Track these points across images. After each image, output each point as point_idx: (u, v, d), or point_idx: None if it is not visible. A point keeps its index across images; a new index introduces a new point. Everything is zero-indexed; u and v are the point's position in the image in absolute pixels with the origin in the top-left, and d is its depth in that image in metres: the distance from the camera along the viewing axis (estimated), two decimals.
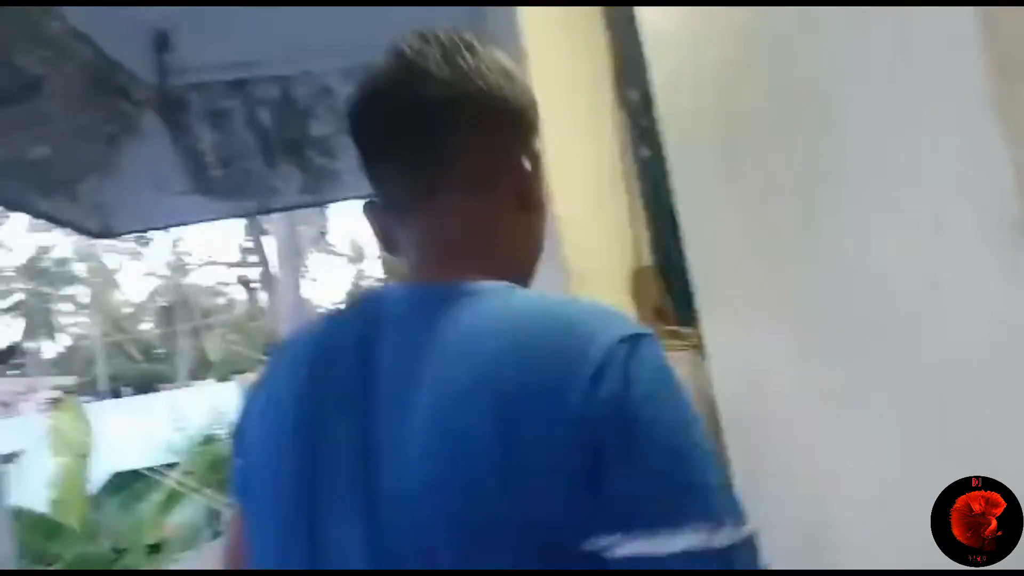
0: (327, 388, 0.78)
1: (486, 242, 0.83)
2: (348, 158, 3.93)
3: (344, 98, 3.71)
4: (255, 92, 3.66)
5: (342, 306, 0.91)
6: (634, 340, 0.69)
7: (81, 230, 4.32)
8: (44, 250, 32.37)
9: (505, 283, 0.77)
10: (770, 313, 0.78)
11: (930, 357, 0.52)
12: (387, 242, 0.88)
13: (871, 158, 0.55)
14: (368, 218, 0.88)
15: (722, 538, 0.62)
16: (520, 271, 0.86)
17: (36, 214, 3.91)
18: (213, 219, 4.78)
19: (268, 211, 5.39)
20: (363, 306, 0.84)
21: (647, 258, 1.82)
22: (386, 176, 0.84)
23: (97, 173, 3.76)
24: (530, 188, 0.85)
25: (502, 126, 0.83)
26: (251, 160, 4.03)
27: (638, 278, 1.81)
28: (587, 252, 1.89)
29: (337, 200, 4.55)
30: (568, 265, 1.89)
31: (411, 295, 0.80)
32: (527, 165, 0.85)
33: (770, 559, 0.86)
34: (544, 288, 1.59)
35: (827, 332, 0.66)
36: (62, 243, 31.74)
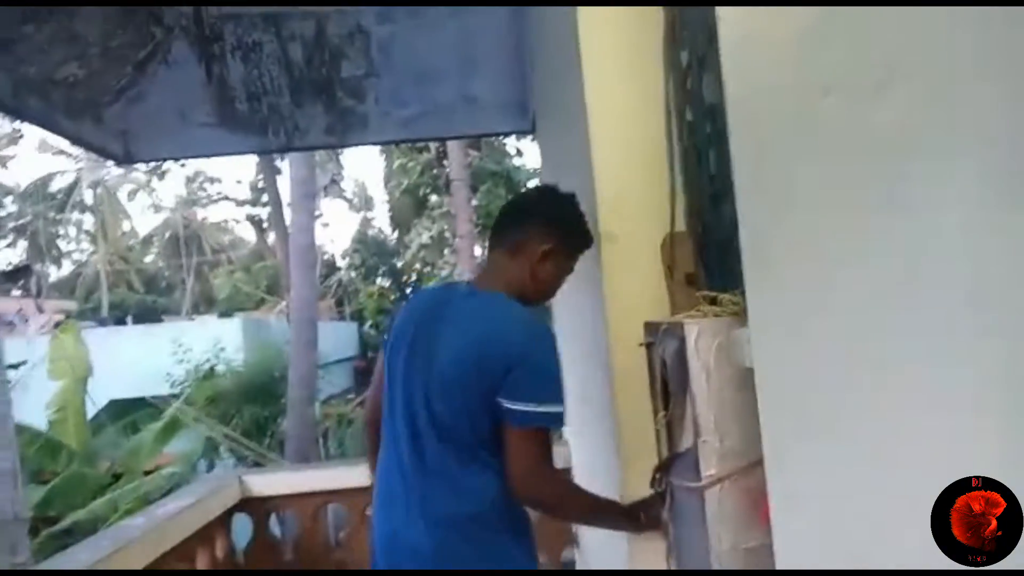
0: (420, 326, 1.81)
1: (508, 278, 1.82)
2: (375, 102, 3.88)
3: (378, 39, 3.66)
4: (289, 27, 3.60)
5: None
6: (538, 331, 1.73)
7: (104, 153, 4.31)
8: (53, 175, 32.22)
9: (508, 296, 1.79)
10: (823, 285, 0.76)
11: (990, 339, 0.50)
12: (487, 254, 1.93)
13: (958, 130, 0.52)
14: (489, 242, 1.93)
15: (560, 407, 1.66)
16: (522, 297, 1.82)
17: (61, 134, 3.88)
18: (235, 153, 4.76)
19: (291, 149, 5.36)
20: (444, 287, 1.96)
21: (681, 223, 1.81)
22: (492, 235, 1.91)
23: (124, 98, 3.74)
24: (536, 268, 1.83)
25: (537, 234, 1.82)
26: (278, 97, 3.99)
27: (671, 243, 1.80)
28: (621, 213, 1.88)
29: (361, 144, 4.52)
30: (600, 226, 1.88)
31: (468, 289, 1.85)
32: (543, 254, 1.81)
33: (812, 522, 0.87)
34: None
35: (885, 309, 0.63)
36: (70, 169, 31.60)
